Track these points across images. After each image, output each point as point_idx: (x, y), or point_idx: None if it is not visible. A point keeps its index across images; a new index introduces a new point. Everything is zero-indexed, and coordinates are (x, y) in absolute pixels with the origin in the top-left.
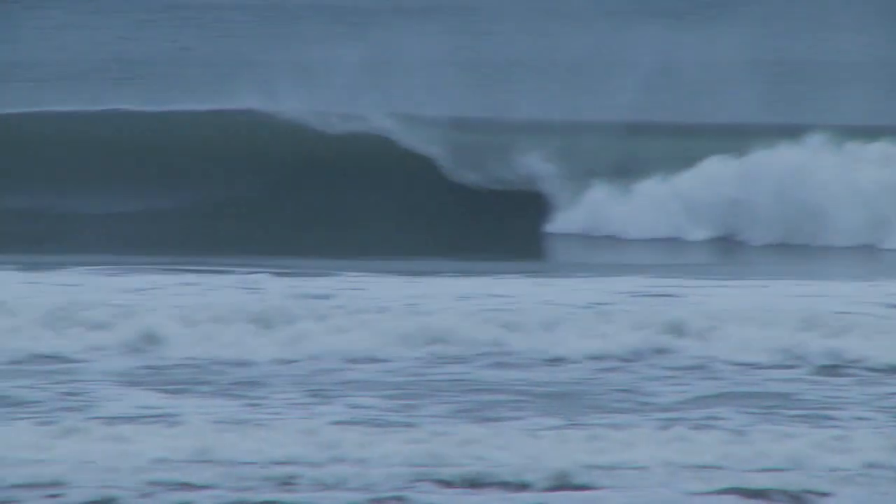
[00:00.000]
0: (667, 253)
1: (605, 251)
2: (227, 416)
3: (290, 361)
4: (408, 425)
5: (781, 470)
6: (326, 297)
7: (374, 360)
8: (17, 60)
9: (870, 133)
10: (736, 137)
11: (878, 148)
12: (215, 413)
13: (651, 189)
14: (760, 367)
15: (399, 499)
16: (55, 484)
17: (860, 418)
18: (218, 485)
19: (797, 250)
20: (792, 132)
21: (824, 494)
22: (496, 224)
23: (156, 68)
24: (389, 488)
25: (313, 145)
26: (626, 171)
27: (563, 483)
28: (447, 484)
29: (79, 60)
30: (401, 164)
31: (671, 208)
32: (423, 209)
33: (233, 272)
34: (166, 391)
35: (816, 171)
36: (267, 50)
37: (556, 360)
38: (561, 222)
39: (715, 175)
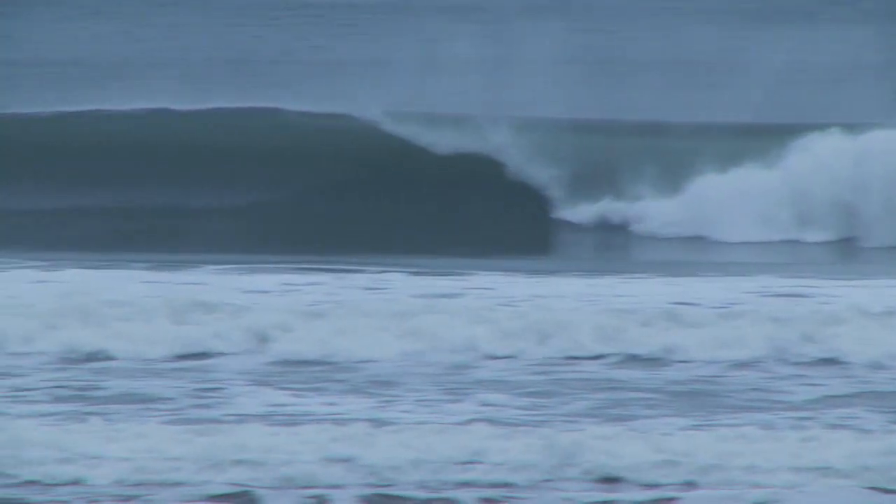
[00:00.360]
0: (785, 254)
1: (724, 253)
2: (360, 414)
3: (421, 360)
4: (540, 423)
5: None
6: (456, 295)
7: (504, 358)
8: (150, 60)
9: None
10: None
11: None
12: (348, 411)
13: (765, 191)
14: (892, 366)
15: (533, 496)
16: (187, 482)
17: None
18: (350, 483)
19: None
20: None
21: None
22: (609, 230)
23: (287, 67)
24: (525, 485)
25: (421, 164)
26: (740, 172)
27: (697, 481)
28: (581, 481)
29: (210, 59)
30: (508, 196)
31: (786, 211)
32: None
33: (363, 271)
34: (298, 389)
35: None
36: (393, 48)
37: (687, 359)
38: (677, 227)
39: (829, 175)
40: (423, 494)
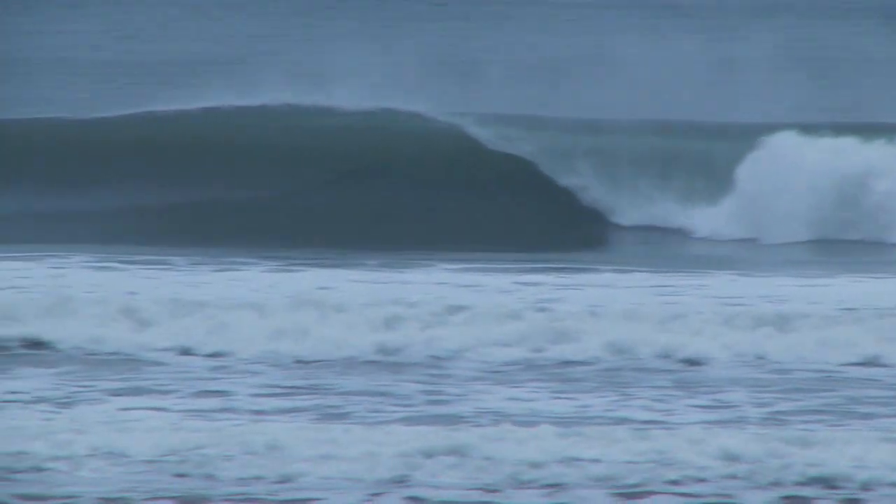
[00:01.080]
0: None
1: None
2: (598, 412)
3: (656, 356)
4: (775, 422)
5: None
6: (681, 293)
7: (736, 355)
8: (342, 59)
9: None
10: None
11: None
12: (585, 407)
13: None
14: None
15: (769, 495)
16: (424, 479)
17: None
18: (582, 484)
19: None
20: None
21: None
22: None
23: (487, 67)
24: (759, 485)
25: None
26: None
27: None
28: (818, 476)
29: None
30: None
31: None
32: None
33: (595, 270)
34: (534, 386)
35: None
36: (590, 48)
37: None
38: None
39: None
40: (664, 489)
